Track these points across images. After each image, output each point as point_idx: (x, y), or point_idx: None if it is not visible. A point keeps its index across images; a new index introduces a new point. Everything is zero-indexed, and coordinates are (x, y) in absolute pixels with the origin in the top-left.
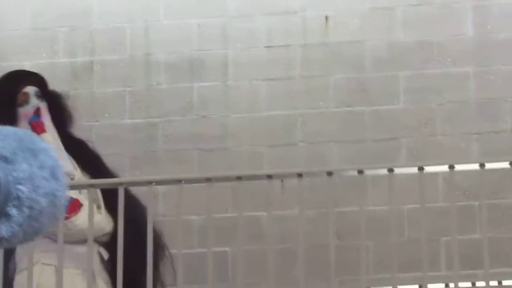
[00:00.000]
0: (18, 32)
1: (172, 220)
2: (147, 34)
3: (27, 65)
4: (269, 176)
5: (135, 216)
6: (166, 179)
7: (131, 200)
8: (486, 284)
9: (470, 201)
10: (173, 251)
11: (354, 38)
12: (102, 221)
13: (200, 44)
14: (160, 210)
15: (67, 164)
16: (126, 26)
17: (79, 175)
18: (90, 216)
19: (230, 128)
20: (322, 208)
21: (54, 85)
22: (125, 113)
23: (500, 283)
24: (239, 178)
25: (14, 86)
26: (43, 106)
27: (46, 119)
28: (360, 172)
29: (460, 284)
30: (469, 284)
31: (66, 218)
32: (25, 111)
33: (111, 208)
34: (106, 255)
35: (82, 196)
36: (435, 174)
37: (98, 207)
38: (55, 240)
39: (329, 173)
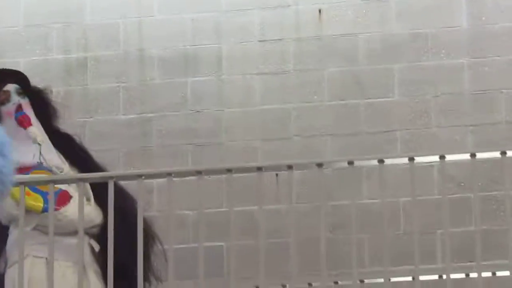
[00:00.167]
0: (12, 29)
1: (167, 215)
2: (141, 29)
3: (21, 62)
4: (259, 168)
5: (125, 208)
6: (156, 173)
7: (120, 193)
8: (478, 276)
9: (466, 193)
10: (167, 246)
11: (348, 31)
12: (92, 212)
13: (193, 38)
14: (154, 205)
15: (55, 158)
16: (120, 21)
17: (67, 169)
18: (80, 210)
19: (224, 123)
20: (315, 202)
21: (47, 81)
22: (119, 108)
23: (494, 274)
24: (229, 170)
25: None
26: (25, 103)
27: (30, 113)
28: (351, 163)
29: (454, 276)
30: (463, 275)
31: (56, 209)
32: (7, 109)
33: (101, 201)
34: (97, 247)
35: (71, 189)
36: (430, 166)
37: (88, 199)
38: (45, 233)
39: (319, 165)
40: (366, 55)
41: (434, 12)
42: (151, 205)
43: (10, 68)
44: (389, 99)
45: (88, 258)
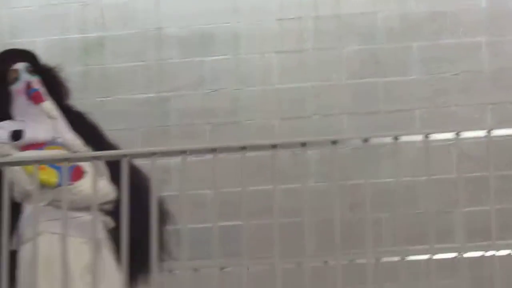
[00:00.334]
0: (30, 9)
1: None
2: (158, 8)
3: (39, 42)
4: (274, 146)
5: (138, 186)
6: (170, 150)
7: (134, 171)
8: (494, 255)
9: (483, 172)
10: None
11: (367, 9)
12: (106, 186)
13: (211, 17)
14: (172, 185)
15: (70, 133)
16: (137, 0)
17: (81, 145)
18: (94, 187)
19: (241, 102)
20: (333, 181)
21: (65, 61)
22: (137, 88)
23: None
24: (243, 148)
25: (3, 65)
26: (35, 80)
27: (42, 90)
28: (366, 140)
29: (471, 255)
30: (479, 254)
31: (70, 184)
32: (17, 87)
33: (115, 179)
34: (111, 224)
35: (84, 164)
36: (447, 145)
37: (101, 175)
38: (60, 208)
39: (334, 142)
40: (385, 33)
41: None
42: (168, 184)
43: (23, 48)
44: (408, 77)
45: (102, 235)
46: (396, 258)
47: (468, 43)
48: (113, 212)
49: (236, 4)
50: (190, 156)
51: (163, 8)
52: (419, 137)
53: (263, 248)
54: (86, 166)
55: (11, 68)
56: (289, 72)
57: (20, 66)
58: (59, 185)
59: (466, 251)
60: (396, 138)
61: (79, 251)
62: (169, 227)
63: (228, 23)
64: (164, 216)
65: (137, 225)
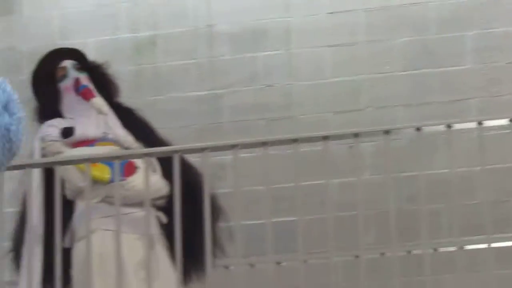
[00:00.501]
0: (80, 9)
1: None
2: (209, 5)
3: (90, 42)
4: (325, 138)
5: (191, 182)
6: (221, 145)
7: (186, 166)
8: None
9: None
10: (242, 222)
11: (418, 0)
12: (159, 181)
13: (262, 13)
14: (228, 182)
15: (120, 129)
16: None
17: (132, 141)
18: (146, 183)
19: (295, 96)
20: (390, 173)
21: (117, 61)
22: (189, 86)
23: None
24: (295, 140)
25: (51, 63)
26: (83, 77)
27: (91, 86)
28: (418, 129)
29: None
30: None
31: (123, 179)
32: (65, 85)
33: (167, 174)
34: (164, 219)
35: (136, 160)
36: (502, 133)
37: (153, 171)
38: (113, 204)
39: (387, 132)
40: (437, 23)
41: None
42: (223, 181)
43: (70, 47)
44: (461, 67)
45: (155, 231)
46: (453, 248)
47: None
48: (166, 207)
49: None
50: (244, 153)
51: (214, 5)
52: (472, 124)
53: (320, 242)
54: (138, 161)
55: (59, 66)
56: (342, 65)
57: (67, 63)
58: (111, 181)
59: None
60: (449, 126)
61: (133, 247)
62: (224, 224)
63: (280, 18)
64: (216, 212)
65: (190, 221)
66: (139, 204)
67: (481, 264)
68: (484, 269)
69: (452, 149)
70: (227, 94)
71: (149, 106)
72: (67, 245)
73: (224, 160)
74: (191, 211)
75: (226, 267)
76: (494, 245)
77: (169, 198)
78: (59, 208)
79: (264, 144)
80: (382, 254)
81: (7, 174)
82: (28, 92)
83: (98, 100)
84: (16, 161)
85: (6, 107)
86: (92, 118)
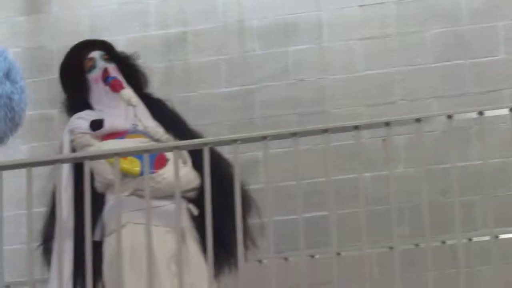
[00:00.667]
0: (109, 7)
1: (272, 187)
2: (239, 0)
3: (120, 40)
4: (356, 127)
5: (222, 174)
6: (251, 137)
7: (217, 158)
8: None
9: None
10: (275, 218)
11: None
12: (190, 173)
13: (293, 7)
14: (261, 178)
15: (150, 120)
16: None
17: (162, 132)
18: (176, 177)
19: (327, 90)
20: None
21: (147, 58)
22: (221, 81)
23: None
24: (325, 130)
25: (79, 55)
26: (112, 67)
27: (120, 77)
28: (450, 117)
29: None
30: None
31: (154, 172)
32: (94, 75)
33: (198, 166)
34: (195, 211)
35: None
36: None
37: (184, 162)
38: (143, 197)
39: (418, 120)
40: (469, 14)
41: None
42: (256, 177)
43: (98, 38)
44: (494, 57)
45: (186, 224)
46: (487, 238)
47: None
48: (197, 199)
49: None
50: (275, 148)
51: (243, 0)
52: (505, 111)
53: (353, 237)
54: (169, 154)
55: (87, 57)
56: (374, 58)
57: (96, 54)
58: (141, 174)
59: None
60: (481, 113)
61: (164, 240)
62: (257, 220)
63: (311, 12)
64: (248, 204)
65: (221, 213)
66: (170, 196)
67: None
68: None
69: (484, 139)
70: (259, 90)
71: (180, 103)
72: (97, 238)
73: (256, 156)
74: (222, 203)
75: (259, 261)
76: None
77: (201, 190)
78: (89, 203)
79: (294, 134)
80: (416, 245)
81: (36, 171)
82: (58, 91)
83: (127, 92)
84: (45, 157)
85: (7, 75)
86: (122, 110)
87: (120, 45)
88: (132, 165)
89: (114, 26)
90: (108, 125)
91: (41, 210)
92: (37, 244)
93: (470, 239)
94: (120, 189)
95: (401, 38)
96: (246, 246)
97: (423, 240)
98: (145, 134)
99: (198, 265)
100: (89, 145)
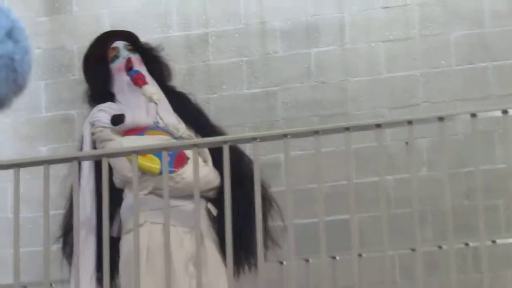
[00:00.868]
0: (130, 8)
1: (294, 190)
2: (261, 2)
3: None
4: (378, 125)
5: (243, 172)
6: (271, 135)
7: (238, 156)
8: None
9: None
10: (297, 221)
11: None
12: (210, 173)
13: (315, 8)
14: (283, 181)
15: (171, 117)
16: None
17: (183, 129)
18: (195, 175)
19: (350, 92)
20: (449, 169)
21: (169, 59)
22: (242, 83)
23: None
24: (347, 129)
25: (103, 45)
26: (135, 58)
27: (143, 70)
28: (473, 115)
29: None
30: None
31: (173, 171)
32: (117, 65)
33: (219, 164)
34: (215, 211)
35: (188, 150)
36: None
37: (204, 161)
38: (162, 197)
39: (441, 118)
40: (493, 16)
41: None
42: (278, 180)
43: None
44: None
45: (205, 225)
46: (511, 240)
47: None
48: (217, 198)
49: None
50: (296, 150)
51: (265, 1)
52: None
53: (378, 239)
54: (189, 152)
55: (111, 46)
56: (397, 60)
57: (119, 44)
58: (161, 172)
59: None
60: (505, 111)
61: (181, 241)
62: (278, 222)
63: (333, 13)
64: (268, 203)
65: (241, 213)
66: (189, 196)
67: None
68: None
69: (510, 139)
70: (281, 91)
71: (202, 104)
72: (114, 234)
73: (278, 158)
74: (243, 203)
75: (280, 262)
76: None
77: (220, 189)
78: (107, 202)
79: (316, 132)
80: (439, 247)
81: (54, 173)
82: (80, 91)
83: (150, 88)
84: (62, 154)
85: (10, 34)
86: (143, 105)
87: None
88: (153, 163)
89: (135, 27)
90: (129, 121)
91: (58, 212)
92: (58, 236)
93: (493, 241)
94: (138, 187)
95: (424, 40)
96: (266, 246)
97: (447, 241)
98: (165, 131)
99: (216, 265)
100: (109, 140)
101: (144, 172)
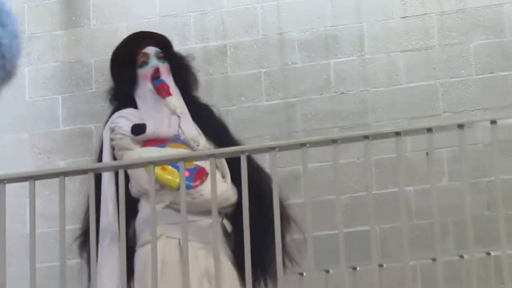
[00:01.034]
0: (148, 20)
1: (314, 201)
2: (279, 12)
3: None
4: (398, 133)
5: (261, 189)
6: (290, 144)
7: (258, 173)
8: None
9: None
10: (317, 233)
11: (492, 1)
12: (229, 190)
13: (334, 19)
14: (302, 193)
15: (193, 130)
16: (258, 6)
17: (203, 143)
18: (213, 187)
19: (369, 103)
20: (470, 179)
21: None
22: (261, 95)
23: None
24: (366, 137)
25: (135, 47)
26: (164, 67)
27: (169, 80)
28: (493, 122)
29: None
30: None
31: (192, 187)
32: (144, 72)
33: (237, 180)
34: (229, 228)
35: (208, 165)
36: None
37: (224, 177)
38: (179, 211)
39: (460, 126)
40: None
41: None
42: (298, 192)
43: (157, 32)
44: None
45: (220, 240)
46: None
47: None
48: (234, 214)
49: (358, 4)
50: (315, 162)
51: (284, 12)
52: None
53: (398, 250)
54: (208, 167)
55: (142, 51)
56: (416, 70)
57: (150, 50)
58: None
59: None
60: None
61: (196, 256)
62: (297, 235)
63: (352, 23)
64: (286, 221)
65: (258, 229)
66: (205, 212)
67: None
68: None
69: None
70: (300, 103)
71: (221, 116)
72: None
73: (296, 170)
74: (260, 220)
75: (301, 273)
76: None
77: (237, 205)
78: (123, 213)
79: (334, 141)
80: (461, 256)
81: (70, 187)
82: (99, 106)
83: (174, 100)
84: (78, 166)
85: None
86: (165, 116)
87: None
88: (172, 176)
89: None
90: (150, 131)
91: (76, 227)
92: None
93: None
94: (156, 200)
95: (443, 50)
96: (284, 265)
97: (468, 250)
98: (186, 144)
99: (233, 281)
100: (128, 149)
101: (162, 186)
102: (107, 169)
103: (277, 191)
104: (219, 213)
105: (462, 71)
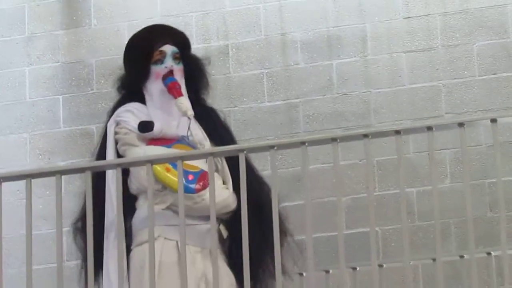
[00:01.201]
0: (150, 20)
1: (316, 202)
2: (282, 13)
3: None
4: (398, 132)
5: (260, 198)
6: (290, 142)
7: (258, 183)
8: None
9: None
10: (316, 234)
11: (496, 2)
12: (229, 198)
13: (336, 19)
14: (302, 195)
15: (200, 133)
16: (260, 6)
17: (208, 146)
18: (211, 186)
19: (372, 104)
20: (473, 180)
21: None
22: (263, 95)
23: None
24: (366, 136)
25: (153, 42)
26: (178, 69)
27: (181, 82)
28: (493, 121)
29: None
30: None
31: (194, 191)
32: (157, 70)
33: (238, 187)
34: (225, 234)
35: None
36: None
37: (224, 183)
38: (178, 213)
39: (461, 124)
40: None
41: None
42: (301, 194)
43: (178, 29)
44: None
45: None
46: None
47: None
48: (230, 221)
49: (361, 4)
50: (317, 163)
51: (286, 12)
52: None
53: (400, 251)
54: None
55: (159, 48)
56: (419, 71)
57: (167, 49)
58: (184, 189)
59: None
60: None
61: (193, 260)
62: (296, 238)
63: (355, 24)
64: (283, 235)
65: (254, 236)
66: (203, 216)
67: None
68: None
69: None
70: (302, 104)
71: None
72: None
73: (298, 171)
74: (258, 230)
75: (300, 274)
76: None
77: (235, 211)
78: (121, 211)
79: (334, 140)
80: (461, 256)
81: (67, 187)
82: (100, 106)
83: (185, 101)
84: (75, 164)
85: None
86: (175, 116)
87: None
88: (177, 178)
89: None
90: (157, 130)
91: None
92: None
93: None
94: (156, 200)
95: (447, 51)
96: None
97: (468, 252)
98: (192, 146)
99: (230, 285)
100: (133, 145)
101: (165, 186)
102: (104, 167)
103: (277, 191)
104: (217, 218)
105: (465, 72)
